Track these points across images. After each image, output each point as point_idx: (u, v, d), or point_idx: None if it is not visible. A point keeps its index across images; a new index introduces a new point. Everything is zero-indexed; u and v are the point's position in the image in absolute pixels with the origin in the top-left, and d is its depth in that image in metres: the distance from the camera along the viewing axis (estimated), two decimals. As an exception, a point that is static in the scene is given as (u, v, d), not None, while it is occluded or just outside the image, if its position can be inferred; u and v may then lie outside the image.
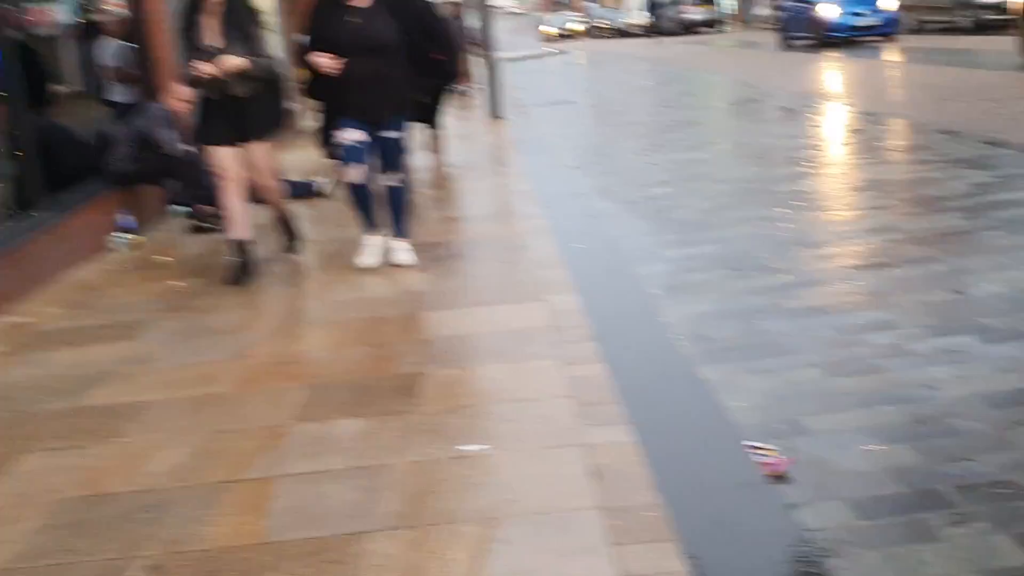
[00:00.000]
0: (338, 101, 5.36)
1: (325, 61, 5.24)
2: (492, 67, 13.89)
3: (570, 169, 9.67)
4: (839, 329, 4.24)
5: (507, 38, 47.48)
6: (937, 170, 7.41)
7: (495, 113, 13.95)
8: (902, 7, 22.47)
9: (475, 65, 17.10)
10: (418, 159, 10.18)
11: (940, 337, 3.99)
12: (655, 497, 2.73)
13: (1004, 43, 15.64)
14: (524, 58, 37.91)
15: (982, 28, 20.38)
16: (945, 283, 4.68)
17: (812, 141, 9.61)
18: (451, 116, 14.84)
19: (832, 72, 16.73)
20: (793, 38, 23.75)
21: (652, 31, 44.67)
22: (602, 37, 52.09)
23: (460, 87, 17.76)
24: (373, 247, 5.73)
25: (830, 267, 5.18)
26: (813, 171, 7.98)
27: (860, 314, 4.40)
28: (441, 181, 9.53)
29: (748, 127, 11.28)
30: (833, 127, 10.43)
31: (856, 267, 5.14)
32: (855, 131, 9.84)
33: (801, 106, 12.28)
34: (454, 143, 11.92)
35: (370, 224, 5.75)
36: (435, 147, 10.31)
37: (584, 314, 4.60)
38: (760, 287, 4.99)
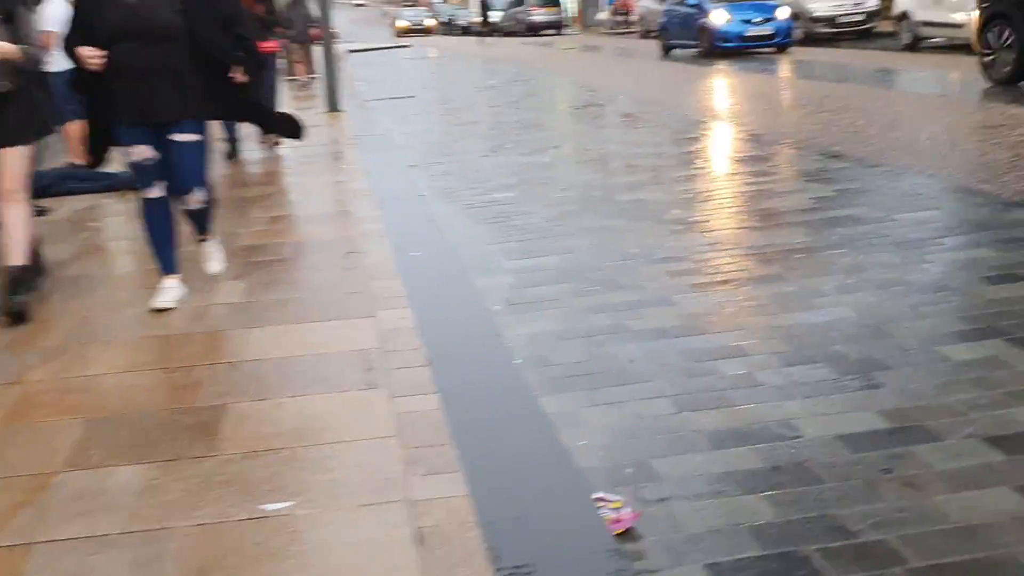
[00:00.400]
0: (109, 101, 4.45)
1: (88, 52, 4.31)
2: (330, 58, 13.26)
3: (410, 168, 9.23)
4: (688, 355, 3.96)
5: (354, 29, 46.60)
6: (780, 183, 7.35)
7: (333, 106, 13.33)
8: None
9: (316, 55, 16.45)
10: (249, 152, 9.64)
11: (793, 367, 3.76)
12: (489, 570, 2.34)
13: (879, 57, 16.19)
14: (369, 50, 37.14)
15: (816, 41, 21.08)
16: (793, 304, 4.49)
17: (655, 149, 9.48)
18: (287, 107, 14.20)
19: (687, 81, 16.88)
20: (676, 46, 22.03)
21: (497, 30, 44.67)
22: (451, 34, 51.73)
23: (300, 78, 17.14)
24: (170, 289, 4.75)
25: (676, 284, 4.93)
26: (655, 181, 7.81)
27: (709, 338, 4.15)
28: (271, 176, 8.91)
29: (591, 132, 11.10)
30: (678, 136, 10.36)
31: (702, 285, 4.90)
32: (696, 140, 9.78)
33: (644, 112, 12.23)
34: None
35: (167, 265, 4.79)
36: (265, 140, 9.65)
37: (418, 334, 4.17)
38: (605, 304, 4.68)
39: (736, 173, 7.87)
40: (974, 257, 5.00)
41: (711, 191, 7.24)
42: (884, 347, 3.89)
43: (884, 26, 21.77)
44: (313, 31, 16.96)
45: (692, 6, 21.09)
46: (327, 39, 13.43)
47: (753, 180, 7.42)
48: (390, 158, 9.63)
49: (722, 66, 17.86)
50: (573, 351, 4.11)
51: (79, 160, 9.65)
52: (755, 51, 19.87)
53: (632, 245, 5.76)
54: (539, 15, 41.43)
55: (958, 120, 9.79)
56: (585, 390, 3.70)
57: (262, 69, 8.53)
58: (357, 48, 37.28)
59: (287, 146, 10.24)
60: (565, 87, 16.95)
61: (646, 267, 5.28)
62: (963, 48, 14.52)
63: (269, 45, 9.40)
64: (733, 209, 6.60)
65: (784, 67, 17.13)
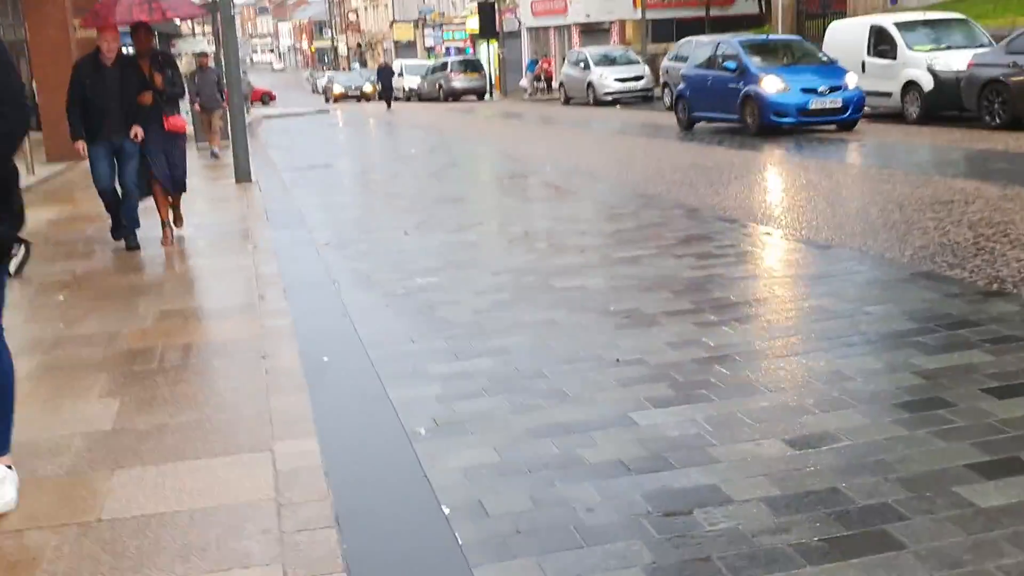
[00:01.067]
0: None
1: None
2: (238, 126, 12.48)
3: (323, 247, 8.45)
4: (658, 500, 3.23)
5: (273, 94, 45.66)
6: (731, 266, 6.77)
7: (242, 176, 12.51)
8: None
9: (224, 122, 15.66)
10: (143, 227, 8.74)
11: (788, 517, 3.06)
12: None
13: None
14: (287, 116, 36.35)
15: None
16: (775, 425, 3.81)
17: (589, 226, 8.88)
18: (197, 177, 13.32)
19: (637, 149, 16.42)
20: (702, 119, 17.60)
21: (416, 95, 44.37)
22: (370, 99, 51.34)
23: (213, 147, 16.36)
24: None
25: (632, 396, 4.23)
26: (594, 263, 7.17)
27: (681, 474, 3.43)
28: (169, 260, 8.03)
29: (519, 206, 10.48)
30: (612, 211, 9.80)
31: (664, 399, 4.21)
32: (631, 216, 9.22)
33: (571, 184, 11.68)
34: (195, 210, 10.45)
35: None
36: (166, 215, 8.78)
37: (321, 475, 3.38)
38: (550, 425, 3.95)
39: (678, 256, 7.28)
40: (967, 363, 4.40)
41: (657, 276, 6.61)
42: (892, 488, 3.22)
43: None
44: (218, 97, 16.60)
45: (730, 70, 16.71)
46: (234, 105, 12.66)
47: (691, 261, 6.83)
48: (303, 236, 8.84)
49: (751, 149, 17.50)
50: (515, 495, 3.35)
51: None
52: (817, 129, 16.08)
53: (577, 344, 5.06)
54: (460, 81, 41.21)
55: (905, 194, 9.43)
56: (533, 555, 2.94)
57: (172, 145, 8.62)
58: (274, 114, 36.52)
59: (191, 224, 9.41)
60: (489, 157, 16.40)
61: (595, 373, 4.57)
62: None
63: (176, 122, 8.52)
64: (686, 298, 5.96)
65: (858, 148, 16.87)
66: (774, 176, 11.32)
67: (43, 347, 5.33)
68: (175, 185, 8.62)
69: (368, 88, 49.30)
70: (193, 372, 4.78)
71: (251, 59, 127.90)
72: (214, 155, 16.72)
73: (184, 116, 9.02)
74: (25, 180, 13.74)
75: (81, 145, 7.94)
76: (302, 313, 5.85)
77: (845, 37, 17.93)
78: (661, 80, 25.08)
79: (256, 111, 36.56)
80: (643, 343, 5.01)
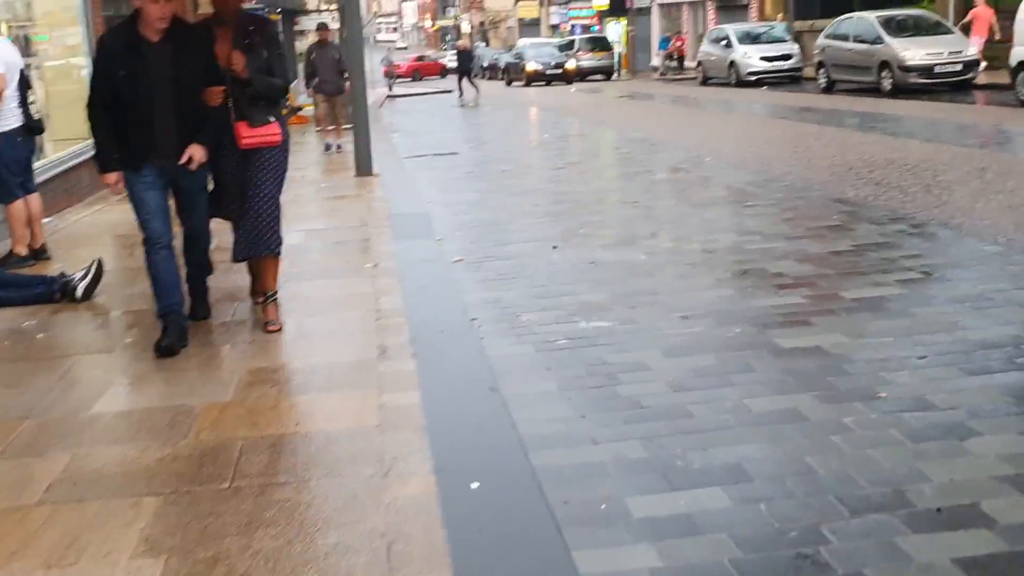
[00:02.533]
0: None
1: None
2: (361, 112, 11.01)
3: (455, 264, 6.89)
4: None
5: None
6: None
7: (364, 168, 11.05)
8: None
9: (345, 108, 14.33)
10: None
11: None
12: None
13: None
14: (411, 96, 35.19)
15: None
16: None
17: (788, 245, 7.08)
18: (309, 170, 11.94)
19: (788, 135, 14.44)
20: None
21: (541, 77, 42.58)
22: (495, 79, 49.85)
23: (330, 140, 14.38)
24: None
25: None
26: (819, 306, 5.40)
27: None
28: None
29: (689, 212, 8.71)
30: (813, 224, 7.95)
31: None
32: (841, 229, 7.36)
33: (742, 182, 9.83)
34: (309, 212, 9.07)
35: None
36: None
37: None
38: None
39: (943, 297, 5.42)
40: None
41: (926, 332, 4.78)
42: None
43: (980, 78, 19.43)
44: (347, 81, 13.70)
45: None
46: (356, 88, 11.18)
47: (981, 309, 4.97)
48: (431, 249, 7.28)
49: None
50: None
51: (21, 249, 7.41)
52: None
53: (851, 466, 3.32)
54: (587, 60, 39.25)
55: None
56: None
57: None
58: (398, 94, 35.39)
59: (301, 229, 7.98)
60: (632, 144, 14.59)
61: (913, 534, 2.84)
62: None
63: (260, 133, 5.11)
64: (1005, 382, 4.13)
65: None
66: (1005, 179, 9.23)
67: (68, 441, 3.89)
68: (251, 245, 5.19)
69: (571, 65, 38.33)
70: (280, 506, 3.22)
71: (374, 38, 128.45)
72: (336, 148, 14.14)
73: (275, 121, 5.23)
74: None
75: (114, 178, 4.88)
76: (435, 384, 4.26)
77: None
78: (816, 59, 22.74)
79: (380, 90, 35.43)
80: (965, 470, 3.23)
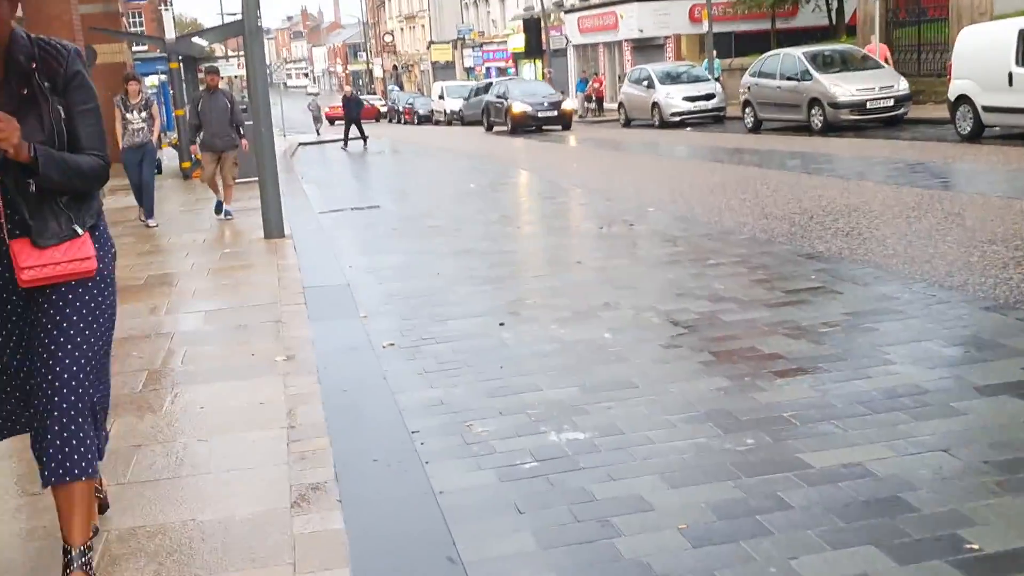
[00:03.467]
0: None
1: None
2: (266, 167, 9.84)
3: (385, 348, 5.79)
4: None
5: (306, 119, 43.49)
6: None
7: (272, 230, 9.86)
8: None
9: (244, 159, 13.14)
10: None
11: None
12: None
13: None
14: (322, 143, 34.02)
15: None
16: None
17: (773, 315, 6.15)
18: (207, 234, 10.69)
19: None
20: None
21: (458, 118, 41.79)
22: (411, 123, 48.88)
23: (222, 204, 12.14)
24: None
25: None
26: (818, 391, 4.43)
27: None
28: (156, 380, 5.32)
29: (646, 274, 7.75)
30: (789, 285, 7.05)
31: None
32: (819, 293, 6.45)
33: (696, 235, 8.93)
34: (210, 284, 7.91)
35: None
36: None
37: None
38: None
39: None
40: None
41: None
42: None
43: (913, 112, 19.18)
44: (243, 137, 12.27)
45: None
46: (262, 140, 10.00)
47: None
48: (355, 331, 6.16)
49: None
50: None
51: None
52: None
53: None
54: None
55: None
56: None
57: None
58: (309, 141, 34.16)
59: (200, 308, 6.79)
60: (566, 193, 13.67)
61: None
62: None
63: (74, 256, 3.01)
64: None
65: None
66: (986, 224, 8.48)
67: None
68: (48, 464, 2.98)
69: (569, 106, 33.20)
70: None
71: (285, 84, 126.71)
72: (226, 215, 12.00)
73: (83, 232, 3.12)
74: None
75: None
76: (372, 553, 3.14)
77: (981, 43, 15.06)
78: (742, 98, 22.28)
79: (292, 138, 34.12)
80: None
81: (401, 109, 52.42)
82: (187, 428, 4.45)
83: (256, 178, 10.56)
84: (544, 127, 30.38)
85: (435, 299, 7.18)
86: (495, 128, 32.61)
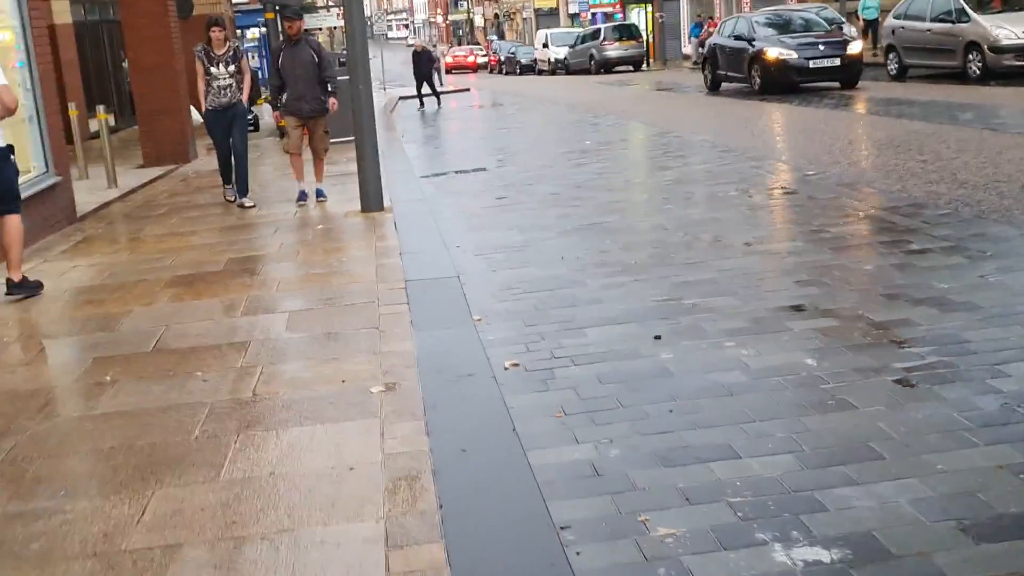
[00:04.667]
0: None
1: None
2: (365, 134, 8.53)
3: (508, 374, 4.44)
4: None
5: (406, 72, 42.41)
6: None
7: (371, 202, 8.59)
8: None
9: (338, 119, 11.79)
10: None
11: None
12: None
13: None
14: (425, 96, 32.74)
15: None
16: None
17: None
18: (291, 209, 9.41)
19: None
20: None
21: (562, 68, 40.01)
22: (512, 72, 47.28)
23: (303, 186, 9.70)
24: None
25: None
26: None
27: None
28: (219, 419, 4.06)
29: (831, 259, 6.22)
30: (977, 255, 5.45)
31: None
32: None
33: (889, 211, 7.31)
34: (287, 273, 6.29)
35: None
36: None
37: None
38: None
39: None
40: None
41: None
42: None
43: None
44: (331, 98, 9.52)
45: None
46: (359, 100, 8.66)
47: None
48: (468, 347, 4.83)
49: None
50: None
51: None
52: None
53: None
54: (614, 50, 36.65)
55: None
56: None
57: None
58: (409, 95, 32.93)
59: (278, 310, 5.57)
60: (698, 153, 12.05)
61: None
62: None
63: None
64: None
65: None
66: None
67: None
68: None
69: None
70: None
71: (386, 36, 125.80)
72: (319, 195, 9.63)
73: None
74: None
75: None
76: None
77: None
78: (884, 43, 20.06)
79: (392, 92, 32.94)
80: None
81: (503, 59, 50.83)
82: (246, 513, 3.19)
83: (351, 138, 9.30)
84: (814, 83, 19.19)
85: (562, 295, 5.77)
86: (722, 85, 21.73)
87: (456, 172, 11.99)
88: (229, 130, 9.77)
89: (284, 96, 9.51)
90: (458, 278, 6.13)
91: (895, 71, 19.65)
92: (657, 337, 4.84)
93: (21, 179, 6.72)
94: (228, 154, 9.89)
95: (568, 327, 5.14)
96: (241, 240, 8.02)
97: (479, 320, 5.36)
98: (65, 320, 5.91)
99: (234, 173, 9.87)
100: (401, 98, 30.64)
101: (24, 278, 6.36)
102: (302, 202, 9.51)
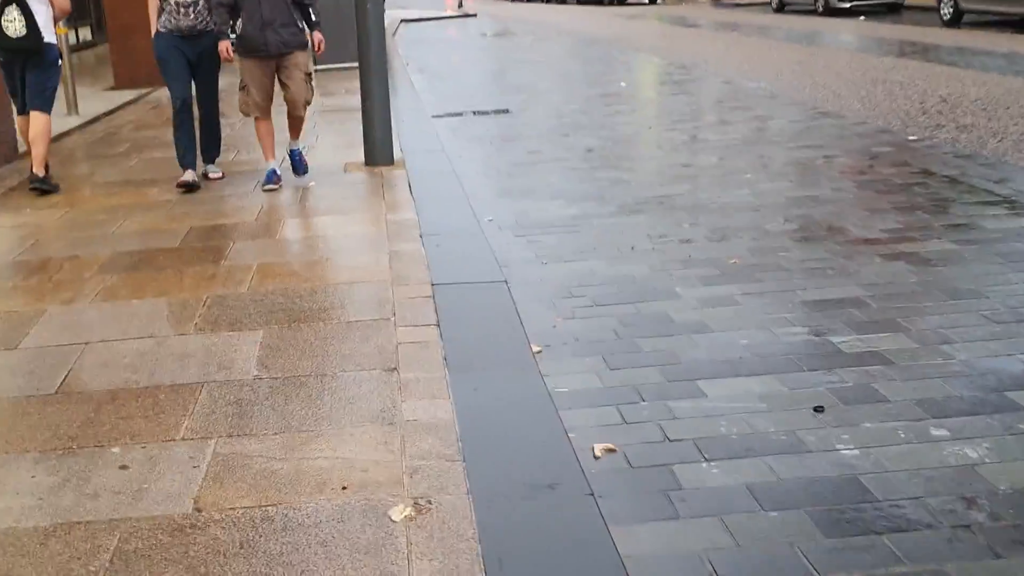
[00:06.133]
0: None
1: None
2: (376, 62, 6.75)
3: (603, 458, 2.80)
4: None
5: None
6: None
7: (378, 154, 6.86)
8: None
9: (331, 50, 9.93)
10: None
11: None
12: None
13: None
14: (428, 19, 30.58)
15: None
16: None
17: None
18: (277, 155, 7.37)
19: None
20: None
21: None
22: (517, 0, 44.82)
23: (272, 162, 6.60)
24: None
25: None
26: None
27: None
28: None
29: (993, 273, 4.58)
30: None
31: None
32: None
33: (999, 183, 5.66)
34: (270, 258, 4.45)
35: None
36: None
37: None
38: None
39: None
40: None
41: None
42: None
43: None
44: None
45: None
46: (368, 17, 6.81)
47: None
48: (534, 411, 3.18)
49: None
50: None
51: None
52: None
53: None
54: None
55: None
56: None
57: None
58: (411, 17, 30.73)
59: (248, 324, 3.89)
60: (748, 98, 10.29)
61: None
62: None
63: None
64: None
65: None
66: None
67: None
68: None
69: None
70: None
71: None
72: (295, 164, 6.69)
73: None
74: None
75: None
76: None
77: None
78: (942, -18, 18.18)
79: (394, 12, 30.71)
80: None
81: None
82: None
83: (347, 64, 7.54)
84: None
85: (649, 313, 4.11)
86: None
87: (474, 113, 10.21)
88: (190, 72, 6.50)
89: (239, 23, 6.23)
90: (505, 283, 4.43)
91: (949, 15, 17.79)
92: (817, 409, 3.20)
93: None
94: (188, 111, 6.56)
95: (674, 376, 3.49)
96: (208, 200, 6.24)
97: (539, 352, 3.71)
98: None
99: (202, 133, 6.77)
100: (403, 21, 28.50)
101: (47, 174, 6.58)
102: (271, 185, 6.40)
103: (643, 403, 3.31)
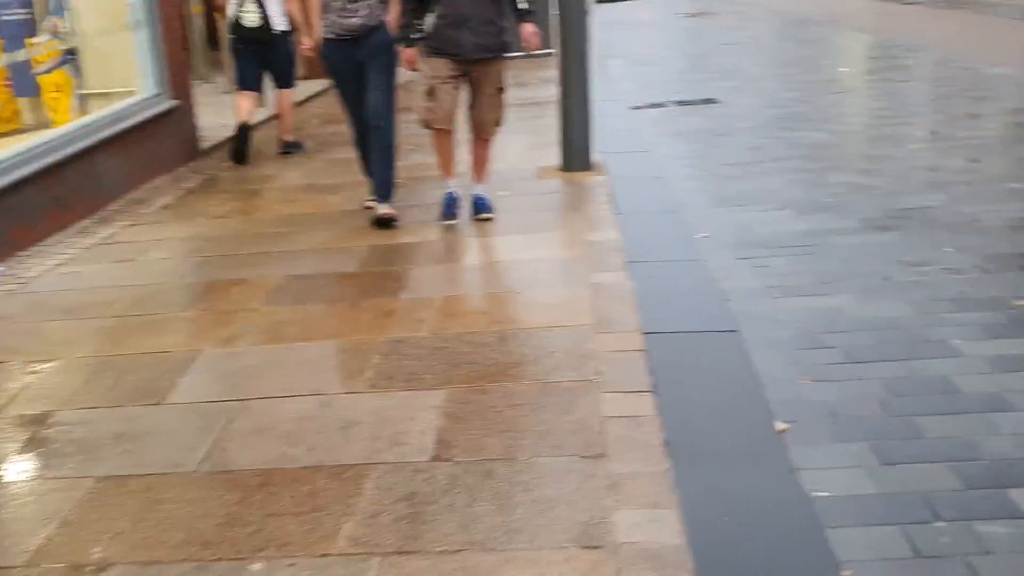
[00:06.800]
0: None
1: None
2: (575, 48, 6.02)
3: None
4: None
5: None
6: None
7: (575, 158, 6.14)
8: None
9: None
10: None
11: None
12: None
13: None
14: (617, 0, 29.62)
15: None
16: None
17: None
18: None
19: None
20: None
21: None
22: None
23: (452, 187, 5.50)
24: None
25: None
26: None
27: None
28: None
29: None
30: None
31: None
32: None
33: None
34: (433, 297, 3.88)
35: None
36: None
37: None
38: None
39: None
40: None
41: None
42: None
43: None
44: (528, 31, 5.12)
45: None
46: (569, 24, 6.05)
47: None
48: (757, 436, 2.40)
49: None
50: None
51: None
52: None
53: None
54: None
55: None
56: None
57: None
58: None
59: (414, 381, 3.23)
60: (1004, 91, 8.93)
61: None
62: None
63: None
64: None
65: None
66: None
67: None
68: None
69: None
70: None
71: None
72: (479, 208, 5.33)
73: None
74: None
75: None
76: None
77: None
78: None
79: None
80: None
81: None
82: None
83: (548, 50, 6.82)
84: None
85: (923, 378, 3.21)
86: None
87: (678, 103, 9.32)
88: (361, 80, 5.23)
89: (428, 18, 5.03)
90: (736, 333, 3.61)
91: None
92: None
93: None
94: (366, 120, 5.37)
95: (976, 481, 2.60)
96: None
97: (784, 431, 2.90)
98: (88, 369, 3.78)
99: (369, 161, 5.50)
100: (596, 1, 27.67)
101: (295, 139, 7.72)
102: (451, 219, 5.24)
103: (939, 524, 2.45)
